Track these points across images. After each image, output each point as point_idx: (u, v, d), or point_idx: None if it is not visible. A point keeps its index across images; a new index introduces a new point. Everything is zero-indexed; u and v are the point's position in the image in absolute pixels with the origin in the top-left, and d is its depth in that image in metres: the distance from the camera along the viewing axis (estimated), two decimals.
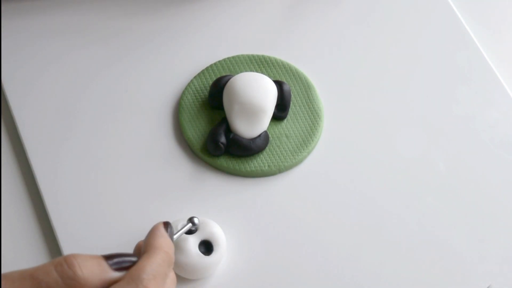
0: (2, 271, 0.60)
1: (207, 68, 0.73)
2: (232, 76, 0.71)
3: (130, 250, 0.59)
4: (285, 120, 0.71)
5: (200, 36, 0.76)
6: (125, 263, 0.51)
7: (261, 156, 0.69)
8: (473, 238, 0.66)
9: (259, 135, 0.69)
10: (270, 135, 0.70)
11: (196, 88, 0.72)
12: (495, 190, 0.69)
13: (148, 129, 0.71)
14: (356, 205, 0.68)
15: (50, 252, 0.65)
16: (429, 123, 0.72)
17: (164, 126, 0.71)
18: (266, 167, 0.69)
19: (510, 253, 0.66)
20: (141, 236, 0.62)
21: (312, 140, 0.70)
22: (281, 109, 0.71)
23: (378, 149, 0.70)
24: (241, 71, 0.73)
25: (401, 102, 0.73)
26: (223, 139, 0.68)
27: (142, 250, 0.54)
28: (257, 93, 0.69)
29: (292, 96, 0.72)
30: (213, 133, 0.69)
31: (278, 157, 0.69)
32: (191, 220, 0.63)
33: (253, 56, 0.74)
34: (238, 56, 0.74)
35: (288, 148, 0.69)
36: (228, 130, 0.69)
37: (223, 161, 0.69)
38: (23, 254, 0.65)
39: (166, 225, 0.55)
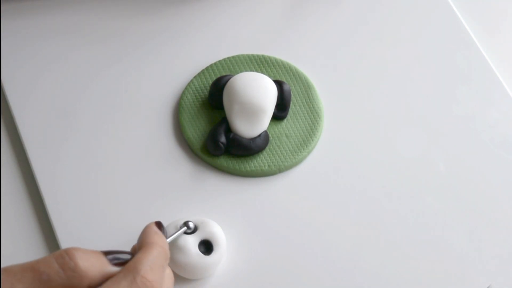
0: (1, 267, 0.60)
1: (207, 68, 0.73)
2: (232, 76, 0.71)
3: (129, 249, 0.59)
4: (285, 120, 0.71)
5: (200, 36, 0.76)
6: (122, 259, 0.52)
7: (261, 156, 0.69)
8: (473, 238, 0.66)
9: (259, 135, 0.69)
10: (270, 135, 0.70)
11: (196, 88, 0.72)
12: (495, 190, 0.69)
13: (148, 129, 0.71)
14: (356, 205, 0.67)
15: (49, 252, 0.65)
16: (429, 123, 0.72)
17: (164, 126, 0.71)
18: (266, 167, 0.69)
19: (510, 253, 0.66)
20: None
21: (312, 140, 0.70)
22: (281, 109, 0.71)
23: (378, 149, 0.70)
24: (241, 71, 0.73)
25: (401, 102, 0.73)
26: (223, 139, 0.68)
27: (137, 248, 0.54)
28: (257, 93, 0.69)
29: (292, 96, 0.72)
30: (213, 133, 0.69)
31: (278, 157, 0.69)
32: (186, 224, 0.63)
33: (253, 56, 0.74)
34: (238, 56, 0.74)
35: (288, 148, 0.69)
36: (228, 130, 0.69)
37: (223, 161, 0.69)
38: (23, 254, 0.65)
39: (158, 224, 0.56)
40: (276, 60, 0.74)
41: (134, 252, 0.55)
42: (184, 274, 0.63)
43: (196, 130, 0.70)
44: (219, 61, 0.74)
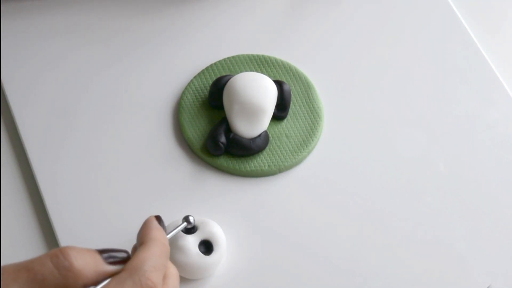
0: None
1: (207, 68, 0.73)
2: (232, 76, 0.71)
3: (129, 250, 0.58)
4: (285, 120, 0.71)
5: (200, 36, 0.76)
6: (117, 258, 0.52)
7: (261, 156, 0.69)
8: (473, 238, 0.66)
9: (259, 135, 0.69)
10: (270, 135, 0.70)
11: (196, 88, 0.72)
12: (495, 190, 0.69)
13: (148, 129, 0.71)
14: (356, 204, 0.68)
15: None
16: (429, 123, 0.72)
17: (164, 126, 0.71)
18: (266, 167, 0.69)
19: (510, 253, 0.66)
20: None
21: (312, 140, 0.70)
22: (281, 109, 0.71)
23: (378, 149, 0.70)
24: (241, 71, 0.73)
25: (401, 102, 0.73)
26: (223, 139, 0.68)
27: (137, 241, 0.54)
28: (257, 93, 0.69)
29: (292, 96, 0.72)
30: (213, 133, 0.69)
31: (278, 157, 0.69)
32: (186, 219, 0.63)
33: (253, 56, 0.74)
34: (238, 56, 0.74)
35: (288, 148, 0.69)
36: (228, 130, 0.69)
37: (223, 161, 0.69)
38: (23, 254, 0.65)
39: (158, 218, 0.56)
40: (276, 60, 0.74)
41: (135, 251, 0.55)
42: (184, 274, 0.63)
43: (196, 130, 0.70)
44: (219, 61, 0.74)
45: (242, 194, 0.68)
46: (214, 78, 0.72)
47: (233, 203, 0.67)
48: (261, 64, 0.73)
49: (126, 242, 0.64)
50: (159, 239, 0.54)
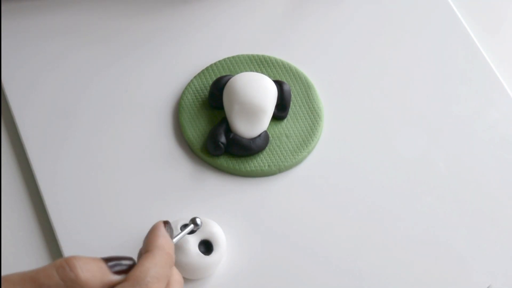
0: (2, 272, 0.60)
1: (207, 68, 0.73)
2: (232, 76, 0.71)
3: (129, 249, 0.59)
4: (285, 120, 0.71)
5: (200, 36, 0.76)
6: (123, 266, 0.52)
7: (261, 156, 0.69)
8: (473, 238, 0.66)
9: (259, 135, 0.69)
10: (270, 135, 0.70)
11: (196, 88, 0.72)
12: (495, 190, 0.69)
13: (148, 129, 0.71)
14: (356, 204, 0.67)
15: (50, 253, 0.65)
16: (429, 123, 0.72)
17: (164, 126, 0.71)
18: (266, 167, 0.69)
19: (510, 253, 0.66)
20: (141, 236, 0.62)
21: (312, 140, 0.70)
22: (281, 109, 0.71)
23: (378, 149, 0.70)
24: (241, 71, 0.73)
25: (401, 102, 0.73)
26: (223, 139, 0.68)
27: (142, 248, 0.54)
28: (257, 93, 0.69)
29: (292, 96, 0.72)
30: (213, 133, 0.69)
31: (278, 157, 0.69)
32: (193, 221, 0.62)
33: (253, 56, 0.74)
34: (238, 56, 0.74)
35: (288, 148, 0.69)
36: (228, 130, 0.69)
37: (223, 161, 0.69)
38: (23, 254, 0.65)
39: (166, 224, 0.55)
40: (276, 60, 0.74)
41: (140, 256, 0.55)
42: (184, 274, 0.63)
43: (196, 130, 0.70)
44: (219, 61, 0.74)
45: (242, 194, 0.68)
46: (214, 78, 0.72)
47: (233, 203, 0.67)
48: (261, 64, 0.73)
49: (125, 242, 0.64)
50: (164, 247, 0.53)
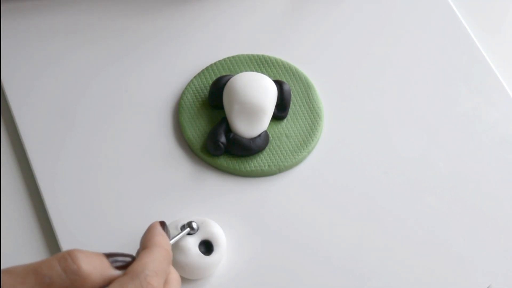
0: (3, 268, 0.60)
1: (207, 68, 0.73)
2: (232, 76, 0.71)
3: (129, 249, 0.59)
4: (285, 120, 0.71)
5: (200, 36, 0.76)
6: (124, 262, 0.52)
7: (261, 156, 0.69)
8: (473, 238, 0.66)
9: (259, 135, 0.69)
10: (270, 135, 0.70)
11: (196, 88, 0.72)
12: (495, 190, 0.69)
13: (148, 129, 0.71)
14: (356, 204, 0.67)
15: (50, 252, 0.65)
16: (429, 123, 0.72)
17: (164, 126, 0.71)
18: (266, 167, 0.69)
19: (510, 253, 0.66)
20: (140, 236, 0.62)
21: (312, 140, 0.70)
22: (281, 109, 0.71)
23: (378, 149, 0.70)
24: (241, 71, 0.73)
25: (401, 102, 0.73)
26: (223, 139, 0.68)
27: (140, 246, 0.54)
28: (257, 93, 0.69)
29: (292, 96, 0.72)
30: (213, 133, 0.69)
31: (278, 157, 0.69)
32: (189, 225, 0.63)
33: (253, 56, 0.74)
34: (238, 56, 0.74)
35: (288, 148, 0.69)
36: (228, 130, 0.69)
37: (223, 161, 0.69)
38: (23, 254, 0.65)
39: (163, 224, 0.56)
40: (276, 60, 0.74)
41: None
42: (184, 274, 0.63)
43: (196, 130, 0.70)
44: (219, 61, 0.74)
45: (242, 194, 0.68)
46: (214, 78, 0.72)
47: (233, 203, 0.67)
48: (261, 64, 0.73)
49: (125, 242, 0.64)
50: (162, 244, 0.54)
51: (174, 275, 0.54)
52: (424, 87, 0.73)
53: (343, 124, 0.71)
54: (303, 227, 0.66)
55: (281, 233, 0.66)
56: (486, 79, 0.74)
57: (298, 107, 0.71)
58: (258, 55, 0.74)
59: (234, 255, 0.65)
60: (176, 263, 0.62)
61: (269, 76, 0.73)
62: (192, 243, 0.63)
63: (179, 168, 0.69)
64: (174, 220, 0.64)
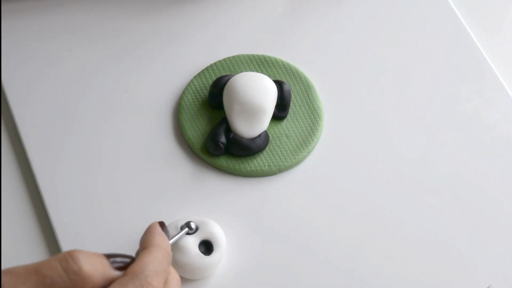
0: (4, 268, 0.60)
1: (207, 68, 0.73)
2: (232, 76, 0.71)
3: (129, 249, 0.59)
4: (285, 120, 0.71)
5: (200, 36, 0.76)
6: (124, 263, 0.52)
7: (261, 156, 0.69)
8: (473, 238, 0.66)
9: (259, 135, 0.69)
10: (270, 135, 0.70)
11: (196, 88, 0.72)
12: (495, 190, 0.69)
13: (148, 129, 0.71)
14: (356, 204, 0.68)
15: (50, 252, 0.66)
16: (429, 123, 0.72)
17: (164, 126, 0.71)
18: (266, 167, 0.69)
19: (510, 253, 0.66)
20: (140, 237, 0.62)
21: (312, 140, 0.70)
22: (281, 109, 0.71)
23: (378, 149, 0.70)
24: (241, 71, 0.73)
25: (401, 102, 0.73)
26: (223, 139, 0.68)
27: (140, 246, 0.54)
28: (257, 93, 0.69)
29: (292, 96, 0.72)
30: (213, 133, 0.69)
31: (278, 157, 0.69)
32: (187, 224, 0.63)
33: (253, 56, 0.74)
34: (238, 56, 0.74)
35: (288, 148, 0.69)
36: (228, 130, 0.69)
37: (223, 161, 0.69)
38: (23, 254, 0.65)
39: (162, 225, 0.56)
40: (276, 60, 0.74)
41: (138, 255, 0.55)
42: (184, 274, 0.63)
43: (196, 130, 0.70)
44: (219, 61, 0.74)
45: (242, 194, 0.68)
46: (214, 78, 0.72)
47: (233, 203, 0.67)
48: (261, 64, 0.73)
49: (125, 242, 0.64)
50: (162, 245, 0.54)
51: (174, 275, 0.54)
52: (424, 87, 0.73)
53: (343, 124, 0.71)
54: (303, 227, 0.66)
55: (281, 233, 0.66)
56: (486, 79, 0.74)
57: (298, 107, 0.71)
58: (258, 55, 0.74)
59: (234, 255, 0.65)
60: (176, 263, 0.62)
61: (269, 76, 0.73)
62: (192, 243, 0.63)
63: (179, 168, 0.69)
64: (174, 220, 0.64)
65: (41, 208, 0.67)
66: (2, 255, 0.65)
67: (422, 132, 0.71)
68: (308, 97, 0.72)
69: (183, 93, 0.72)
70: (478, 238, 0.66)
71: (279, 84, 0.71)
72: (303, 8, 0.77)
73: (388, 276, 0.65)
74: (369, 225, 0.67)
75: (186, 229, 0.63)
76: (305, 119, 0.71)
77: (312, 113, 0.71)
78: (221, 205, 0.67)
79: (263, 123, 0.69)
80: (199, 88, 0.72)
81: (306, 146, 0.70)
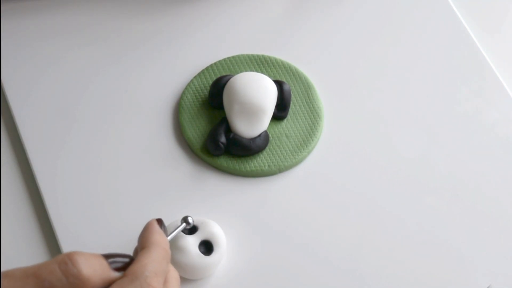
0: (2, 271, 0.60)
1: (207, 68, 0.73)
2: (232, 76, 0.71)
3: (129, 249, 0.59)
4: (285, 120, 0.71)
5: (200, 36, 0.76)
6: (123, 263, 0.52)
7: (261, 156, 0.69)
8: (473, 238, 0.66)
9: (259, 135, 0.69)
10: (270, 135, 0.70)
11: (196, 88, 0.72)
12: (495, 190, 0.69)
13: (148, 129, 0.71)
14: (356, 205, 0.68)
15: (50, 252, 0.66)
16: (429, 123, 0.72)
17: (164, 126, 0.71)
18: (266, 167, 0.69)
19: (510, 253, 0.66)
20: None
21: (312, 140, 0.70)
22: (281, 109, 0.71)
23: (378, 149, 0.70)
24: (241, 71, 0.73)
25: (401, 102, 0.73)
26: (223, 139, 0.68)
27: (138, 245, 0.54)
28: (257, 93, 0.69)
29: (292, 96, 0.72)
30: (213, 133, 0.69)
31: (278, 157, 0.69)
32: (185, 219, 0.63)
33: (253, 56, 0.74)
34: (238, 56, 0.74)
35: (288, 148, 0.69)
36: (228, 130, 0.69)
37: (223, 161, 0.69)
38: (23, 254, 0.65)
39: (160, 222, 0.56)
40: (276, 60, 0.74)
41: (136, 254, 0.55)
42: (184, 274, 0.63)
43: (196, 130, 0.70)
44: (219, 61, 0.74)
45: (242, 194, 0.68)
46: (214, 78, 0.72)
47: (233, 203, 0.67)
48: (261, 64, 0.73)
49: (125, 242, 0.64)
50: (160, 243, 0.54)
51: (173, 273, 0.54)
52: (424, 87, 0.73)
53: (343, 124, 0.71)
54: (303, 227, 0.66)
55: (281, 233, 0.66)
56: (486, 79, 0.74)
57: (298, 107, 0.71)
58: (258, 55, 0.74)
59: (234, 255, 0.65)
60: (176, 263, 0.62)
61: (269, 76, 0.73)
62: (192, 243, 0.63)
63: (179, 168, 0.69)
64: (174, 220, 0.64)
65: (41, 208, 0.67)
66: (2, 255, 0.65)
67: (422, 132, 0.71)
68: (308, 97, 0.72)
69: (183, 93, 0.72)
70: (478, 238, 0.66)
71: (279, 84, 0.71)
72: (303, 8, 0.77)
73: (388, 276, 0.65)
74: (369, 225, 0.67)
75: (184, 224, 0.63)
76: (305, 119, 0.71)
77: (312, 113, 0.71)
78: (221, 205, 0.67)
79: (263, 123, 0.69)
80: (199, 88, 0.72)
81: (306, 146, 0.70)
